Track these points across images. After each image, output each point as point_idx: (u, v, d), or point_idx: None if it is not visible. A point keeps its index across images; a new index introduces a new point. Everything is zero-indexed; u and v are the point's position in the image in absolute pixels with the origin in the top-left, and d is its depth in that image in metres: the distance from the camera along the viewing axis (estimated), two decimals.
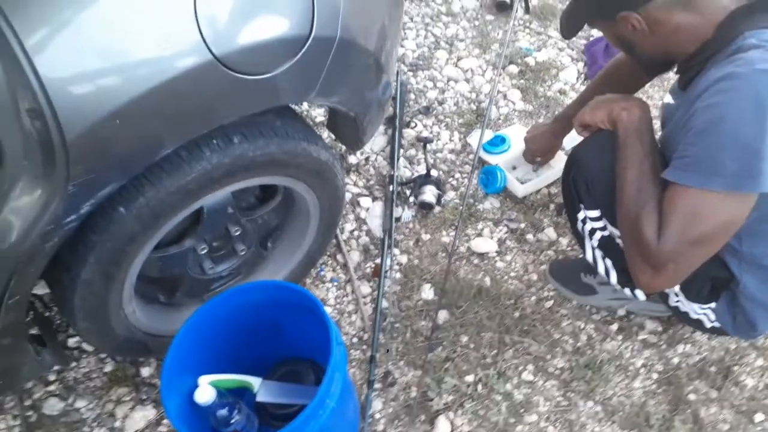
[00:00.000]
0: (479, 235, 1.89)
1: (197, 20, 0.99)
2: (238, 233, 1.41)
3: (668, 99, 1.33)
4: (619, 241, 1.31)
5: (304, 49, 1.13)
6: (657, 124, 1.40)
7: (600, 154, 1.29)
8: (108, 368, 1.60)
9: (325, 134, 2.06)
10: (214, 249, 1.43)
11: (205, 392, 1.20)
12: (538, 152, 1.90)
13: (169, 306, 1.48)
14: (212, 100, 1.08)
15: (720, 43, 1.10)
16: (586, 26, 1.33)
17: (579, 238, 1.46)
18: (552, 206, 1.96)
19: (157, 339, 1.43)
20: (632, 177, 1.17)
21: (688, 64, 1.18)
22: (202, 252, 1.38)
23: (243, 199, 1.43)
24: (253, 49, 1.07)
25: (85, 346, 1.63)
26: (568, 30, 1.31)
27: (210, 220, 1.31)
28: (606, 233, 1.35)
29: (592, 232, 1.38)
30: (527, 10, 2.70)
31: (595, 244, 1.39)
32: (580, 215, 1.38)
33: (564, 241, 1.87)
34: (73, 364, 1.61)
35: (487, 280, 1.78)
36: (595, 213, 1.35)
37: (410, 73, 2.42)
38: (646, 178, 1.15)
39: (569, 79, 2.41)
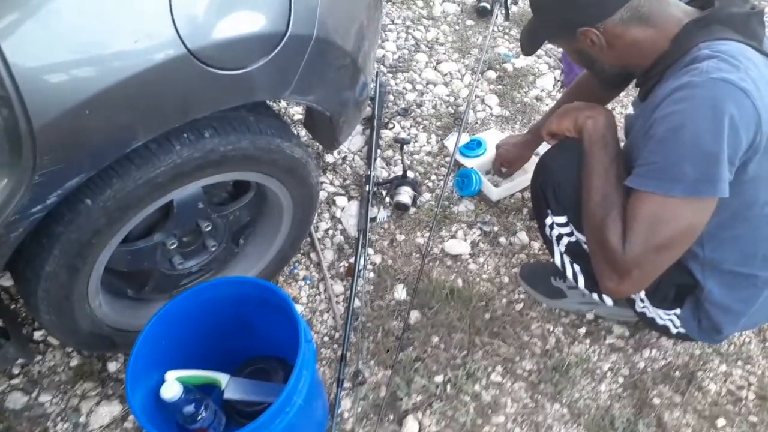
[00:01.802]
0: (453, 236, 1.91)
1: (172, 13, 0.98)
2: (208, 229, 1.40)
3: (630, 110, 1.35)
4: (586, 246, 1.33)
5: (279, 47, 1.13)
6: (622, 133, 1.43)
7: (567, 162, 1.31)
8: (74, 362, 1.58)
9: (303, 132, 2.05)
10: (184, 244, 1.42)
11: (171, 388, 1.19)
12: (506, 160, 1.91)
13: (138, 301, 1.47)
14: (185, 94, 1.07)
15: (676, 55, 1.13)
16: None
17: (548, 243, 1.48)
18: (525, 210, 1.98)
19: (124, 334, 1.41)
20: (597, 184, 1.19)
21: (647, 76, 1.21)
22: (172, 247, 1.36)
23: (215, 194, 1.43)
24: (228, 45, 1.06)
25: (51, 340, 1.61)
26: (529, 46, 1.33)
27: (180, 215, 1.30)
28: (573, 239, 1.37)
29: (560, 237, 1.40)
30: (507, 17, 2.74)
31: (563, 249, 1.41)
32: (548, 221, 1.40)
33: (536, 245, 1.89)
34: (38, 357, 1.58)
35: (460, 281, 1.79)
36: (562, 219, 1.36)
37: (390, 75, 2.43)
38: (610, 186, 1.17)
39: (546, 86, 2.44)
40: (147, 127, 1.06)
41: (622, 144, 1.26)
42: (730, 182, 1.06)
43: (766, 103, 1.05)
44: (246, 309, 1.35)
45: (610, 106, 2.13)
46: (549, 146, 1.96)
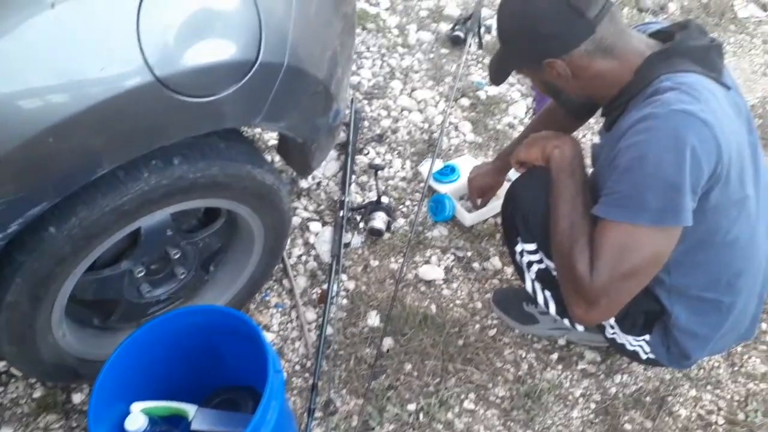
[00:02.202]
0: (427, 262, 1.91)
1: (140, 41, 0.98)
2: (177, 256, 1.38)
3: (597, 139, 1.38)
4: (555, 273, 1.34)
5: (250, 74, 1.13)
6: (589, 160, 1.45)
7: (535, 190, 1.32)
8: (37, 394, 1.53)
9: (277, 158, 2.05)
10: (152, 272, 1.40)
11: (136, 420, 1.16)
12: (480, 188, 1.91)
13: (104, 330, 1.44)
14: (154, 122, 1.07)
15: (639, 86, 1.16)
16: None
17: (519, 270, 1.48)
18: (498, 236, 1.99)
19: (89, 364, 1.38)
20: (564, 213, 1.21)
21: (611, 106, 1.23)
22: (140, 275, 1.34)
23: (184, 221, 1.41)
24: (197, 72, 1.06)
25: (14, 371, 1.56)
26: (497, 77, 1.35)
27: (147, 243, 1.28)
28: (543, 266, 1.38)
29: (530, 264, 1.41)
30: (480, 45, 2.79)
31: (533, 276, 1.42)
32: (518, 248, 1.41)
33: (509, 270, 1.90)
34: (0, 389, 1.53)
35: (433, 307, 1.79)
36: (532, 246, 1.38)
37: (365, 101, 2.45)
38: (578, 214, 1.19)
39: (518, 113, 2.48)
40: (113, 154, 1.05)
41: (589, 171, 1.29)
42: (693, 210, 1.09)
43: (726, 133, 1.08)
44: (215, 338, 1.33)
45: (579, 133, 2.17)
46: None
